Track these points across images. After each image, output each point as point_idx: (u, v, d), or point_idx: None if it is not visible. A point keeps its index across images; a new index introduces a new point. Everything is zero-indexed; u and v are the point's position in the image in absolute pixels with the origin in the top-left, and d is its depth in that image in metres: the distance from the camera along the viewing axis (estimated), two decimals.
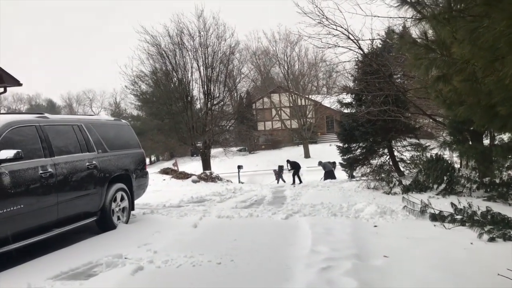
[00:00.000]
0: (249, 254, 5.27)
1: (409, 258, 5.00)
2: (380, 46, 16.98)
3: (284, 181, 23.85)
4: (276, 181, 24.99)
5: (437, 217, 7.05)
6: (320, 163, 24.25)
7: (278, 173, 25.69)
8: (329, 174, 23.11)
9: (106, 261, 4.96)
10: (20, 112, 9.15)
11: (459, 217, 7.04)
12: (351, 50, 13.32)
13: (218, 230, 6.83)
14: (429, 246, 5.54)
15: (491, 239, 5.61)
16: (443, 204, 8.55)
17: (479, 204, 7.68)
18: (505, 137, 8.79)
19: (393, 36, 13.92)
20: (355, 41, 13.02)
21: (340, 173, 22.54)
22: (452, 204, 7.44)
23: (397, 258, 5.00)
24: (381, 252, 5.25)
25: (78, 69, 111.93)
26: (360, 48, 13.40)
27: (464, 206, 7.22)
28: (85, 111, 75.91)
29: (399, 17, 12.34)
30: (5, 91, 14.01)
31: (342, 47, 13.07)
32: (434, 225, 6.83)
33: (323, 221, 7.36)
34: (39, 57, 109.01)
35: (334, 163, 24.43)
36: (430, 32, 3.96)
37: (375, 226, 6.97)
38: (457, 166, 11.86)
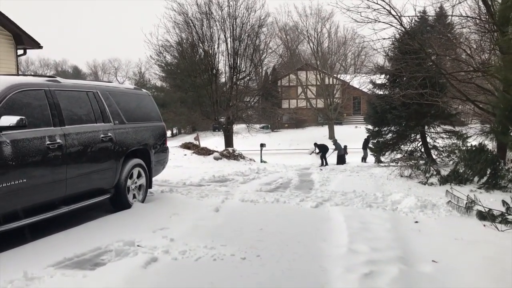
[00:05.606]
0: (277, 249, 4.63)
1: (463, 266, 4.28)
2: (414, 25, 15.85)
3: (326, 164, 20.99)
4: (321, 162, 21.56)
5: (487, 216, 6.25)
6: (335, 142, 23.51)
7: (322, 154, 22.02)
8: (341, 158, 22.34)
9: (116, 248, 4.39)
10: (30, 75, 8.45)
11: (511, 217, 6.24)
12: (392, 26, 12.30)
13: (242, 216, 6.19)
14: (482, 252, 4.79)
15: None
16: (488, 200, 7.75)
17: None
18: None
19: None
20: (396, 17, 12.00)
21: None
22: (504, 203, 6.61)
23: (449, 265, 4.30)
24: (428, 255, 4.57)
25: (104, 36, 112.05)
26: (402, 25, 12.37)
27: None
28: (110, 79, 76.10)
29: None
30: (24, 53, 13.57)
31: (383, 22, 12.05)
32: (484, 225, 6.05)
33: (358, 212, 6.64)
34: (65, 23, 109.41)
35: (345, 147, 23.54)
36: None
37: (416, 222, 6.23)
38: None
